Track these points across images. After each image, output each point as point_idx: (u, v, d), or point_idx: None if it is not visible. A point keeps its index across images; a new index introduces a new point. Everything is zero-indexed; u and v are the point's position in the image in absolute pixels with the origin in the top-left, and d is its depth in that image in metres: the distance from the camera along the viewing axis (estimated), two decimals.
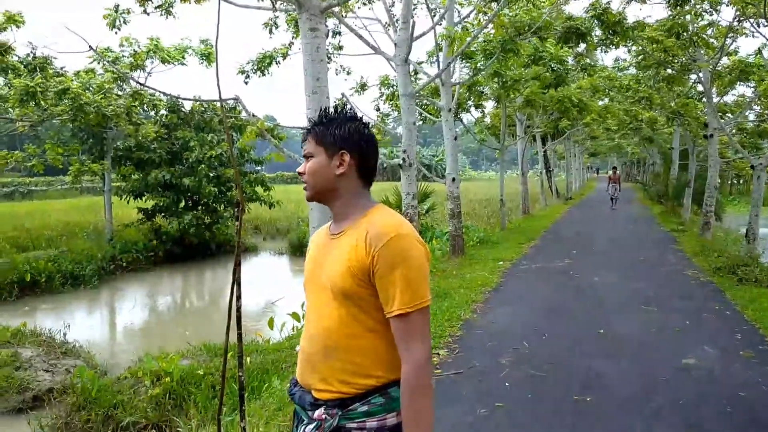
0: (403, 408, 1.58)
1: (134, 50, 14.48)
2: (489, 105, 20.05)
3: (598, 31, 12.21)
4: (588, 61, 17.98)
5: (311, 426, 1.63)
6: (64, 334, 8.38)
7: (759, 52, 14.26)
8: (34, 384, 6.65)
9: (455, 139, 12.26)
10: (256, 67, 11.78)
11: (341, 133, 1.73)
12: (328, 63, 11.91)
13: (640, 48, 13.41)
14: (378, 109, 15.31)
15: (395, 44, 8.40)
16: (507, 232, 15.43)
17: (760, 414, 4.00)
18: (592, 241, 13.60)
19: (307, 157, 1.77)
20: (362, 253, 1.60)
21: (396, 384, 1.62)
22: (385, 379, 1.64)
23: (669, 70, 14.34)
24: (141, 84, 11.67)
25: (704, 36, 12.36)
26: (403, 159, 8.30)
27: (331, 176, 1.73)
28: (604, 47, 13.05)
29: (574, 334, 6.06)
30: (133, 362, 6.75)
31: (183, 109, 17.77)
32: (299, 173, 1.79)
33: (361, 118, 1.81)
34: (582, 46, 14.28)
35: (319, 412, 1.64)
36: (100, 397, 5.91)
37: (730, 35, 12.07)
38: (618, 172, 25.60)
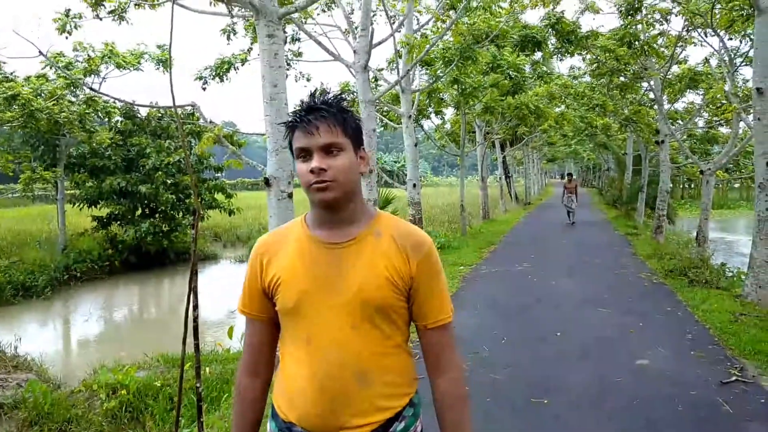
0: (451, 422, 1.53)
1: (88, 55, 14.16)
2: (449, 112, 20.29)
3: (553, 40, 12.51)
4: (544, 69, 18.35)
5: None
6: (15, 347, 8.09)
7: (706, 61, 14.81)
8: None
9: (416, 145, 12.36)
10: (214, 73, 11.64)
11: (359, 126, 1.54)
12: (288, 70, 11.87)
13: (594, 56, 13.77)
14: None
15: (354, 51, 8.43)
16: (467, 237, 15.59)
17: (709, 412, 4.13)
18: (549, 245, 13.84)
19: (329, 149, 1.45)
20: (400, 262, 1.47)
21: (416, 392, 1.59)
22: (412, 394, 1.56)
23: (622, 78, 14.77)
24: (95, 90, 11.41)
25: (655, 45, 12.78)
26: None
27: (356, 175, 1.49)
28: (559, 55, 13.36)
29: (533, 337, 6.16)
30: (88, 375, 6.58)
31: (139, 116, 17.47)
32: (320, 169, 1.43)
33: None
34: (538, 54, 14.62)
35: None
36: (53, 411, 5.72)
37: (679, 44, 12.52)
38: (575, 178, 21.55)
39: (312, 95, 1.52)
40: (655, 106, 15.59)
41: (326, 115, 1.45)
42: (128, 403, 5.70)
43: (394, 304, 1.48)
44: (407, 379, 1.55)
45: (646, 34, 12.68)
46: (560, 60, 14.41)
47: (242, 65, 12.25)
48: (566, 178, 19.72)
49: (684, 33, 12.30)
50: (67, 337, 10.97)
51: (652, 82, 14.19)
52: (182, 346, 3.92)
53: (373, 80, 11.74)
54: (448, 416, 1.53)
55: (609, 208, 27.34)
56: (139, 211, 16.69)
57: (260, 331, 1.61)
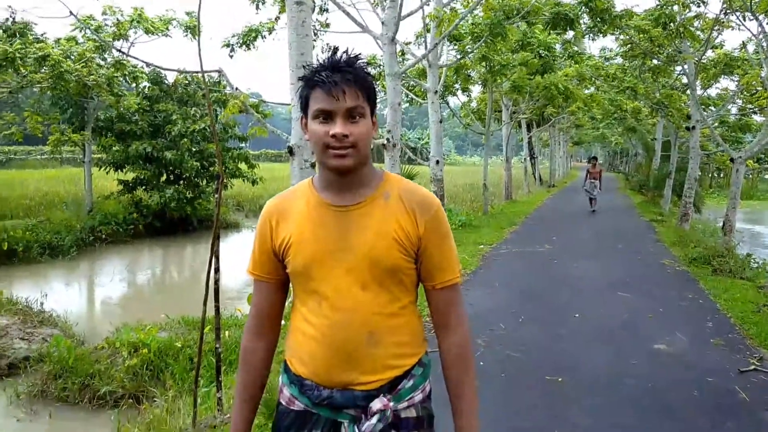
0: (456, 379, 1.56)
1: (117, 19, 14.23)
2: (476, 89, 20.07)
3: (586, 18, 12.25)
4: (575, 48, 18.02)
5: (373, 420, 1.47)
6: (41, 304, 8.32)
7: (744, 46, 14.41)
8: (9, 352, 6.61)
9: (440, 122, 12.27)
10: (241, 41, 11.63)
11: (375, 89, 1.52)
12: (315, 41, 11.81)
13: (627, 37, 13.46)
14: None
15: (382, 23, 8.34)
16: (489, 217, 15.52)
17: (726, 399, 4.10)
18: (572, 228, 13.74)
19: (353, 114, 1.43)
20: (408, 223, 1.48)
21: (425, 352, 1.61)
22: (420, 354, 1.58)
23: (655, 61, 14.44)
24: (124, 53, 11.46)
25: (691, 27, 12.45)
26: (387, 139, 8.29)
27: (371, 140, 1.51)
28: (591, 35, 13.09)
29: (550, 317, 6.15)
30: (111, 333, 6.72)
31: (166, 82, 17.53)
32: (343, 135, 1.41)
33: None
34: (570, 33, 14.34)
35: (383, 402, 1.48)
36: (76, 366, 5.90)
37: (716, 27, 12.16)
38: (600, 163, 20.68)
39: (334, 53, 1.47)
40: (688, 91, 15.24)
41: (351, 78, 1.42)
42: (149, 361, 5.85)
43: (403, 265, 1.49)
44: (416, 339, 1.56)
45: (682, 16, 12.34)
46: (592, 40, 14.12)
47: (269, 34, 12.23)
48: (590, 162, 18.47)
49: (721, 16, 11.94)
50: (91, 296, 11.22)
51: (686, 66, 13.86)
52: (203, 306, 3.99)
53: (400, 54, 11.62)
54: (452, 374, 1.56)
55: (634, 194, 26.98)
56: (164, 177, 16.85)
57: (268, 294, 1.63)
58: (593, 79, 19.31)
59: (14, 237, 12.22)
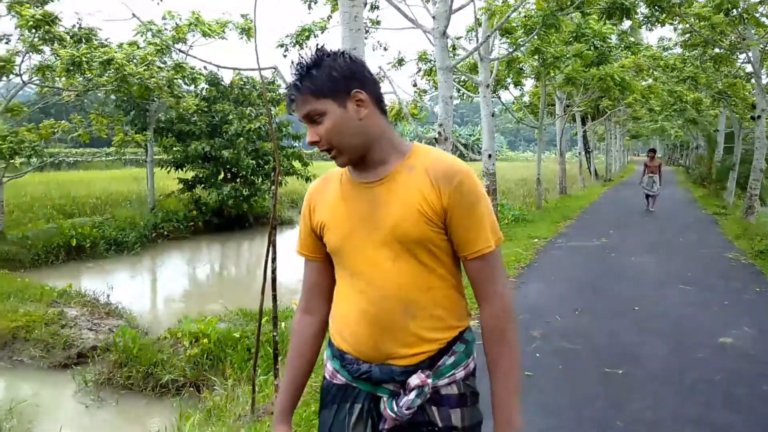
0: (491, 351, 1.50)
1: (176, 23, 14.72)
2: (528, 83, 19.78)
3: (643, 7, 11.89)
4: (632, 39, 17.51)
5: (411, 396, 1.46)
6: (108, 296, 8.70)
7: None
8: (78, 341, 6.95)
9: (492, 115, 12.16)
10: (294, 41, 11.83)
11: (341, 71, 1.44)
12: (365, 38, 11.89)
13: (687, 25, 13.00)
14: (415, 85, 15.24)
15: (433, 17, 8.33)
16: (543, 211, 15.28)
17: None
18: (629, 222, 13.39)
19: (312, 119, 1.45)
20: (433, 194, 1.44)
21: (468, 328, 1.57)
22: (462, 327, 1.54)
23: (716, 49, 13.89)
24: (185, 53, 11.83)
25: (755, 13, 11.92)
26: (439, 133, 8.27)
27: (356, 125, 1.45)
28: (649, 24, 12.70)
29: (608, 310, 6.03)
30: (173, 324, 6.96)
31: (222, 83, 18.03)
32: (313, 143, 1.47)
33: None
34: (626, 23, 13.94)
35: (420, 378, 1.47)
36: (141, 355, 6.14)
37: None
38: (658, 156, 18.40)
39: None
40: (752, 80, 14.60)
41: (300, 85, 1.44)
42: (209, 351, 6.03)
43: (432, 236, 1.46)
44: (455, 312, 1.53)
45: (746, 2, 11.83)
46: (649, 30, 13.67)
47: (321, 33, 12.39)
48: (648, 154, 16.76)
49: None
50: (153, 289, 11.66)
51: (750, 54, 13.28)
52: (261, 296, 4.10)
53: (451, 48, 11.58)
54: (488, 346, 1.51)
55: (695, 187, 26.02)
56: (222, 175, 17.32)
57: (314, 271, 1.67)
58: (651, 70, 18.72)
59: (82, 234, 12.80)
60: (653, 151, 16.86)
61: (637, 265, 8.38)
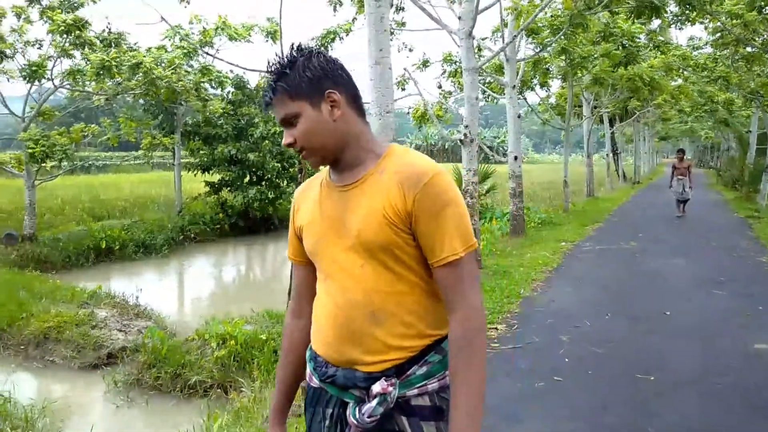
0: (453, 367, 1.39)
1: (203, 27, 14.90)
2: (554, 84, 19.58)
3: (673, 6, 11.69)
4: (661, 38, 17.23)
5: (373, 403, 1.41)
6: (137, 298, 8.80)
7: None
8: (108, 342, 7.03)
9: (518, 116, 12.06)
10: (319, 44, 11.88)
11: (315, 72, 1.42)
12: (390, 40, 11.89)
13: (718, 24, 12.76)
14: (440, 87, 15.21)
15: (459, 17, 8.29)
16: (570, 214, 15.11)
17: None
18: (659, 225, 13.16)
19: (288, 121, 1.43)
20: (398, 198, 1.39)
21: (447, 337, 1.46)
22: (437, 336, 1.47)
23: (749, 48, 13.61)
24: (212, 55, 11.97)
25: None
26: (465, 135, 8.23)
27: (330, 127, 1.42)
28: (679, 23, 12.50)
29: (638, 314, 5.92)
30: (200, 325, 7.01)
31: (248, 87, 18.18)
32: (289, 144, 1.45)
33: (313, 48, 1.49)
34: (655, 22, 13.72)
35: (382, 385, 1.41)
36: (169, 356, 6.19)
37: None
38: (688, 158, 16.92)
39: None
40: None
41: (271, 89, 1.43)
42: (236, 352, 6.06)
43: (397, 242, 1.40)
44: (427, 319, 1.46)
45: None
46: (679, 29, 13.43)
47: (346, 35, 12.45)
48: (676, 155, 15.56)
49: None
50: (181, 291, 11.80)
51: None
52: (287, 297, 4.11)
53: (476, 49, 11.51)
54: (450, 361, 1.41)
55: (726, 190, 25.48)
56: (247, 178, 17.46)
57: (302, 275, 1.67)
58: (681, 69, 18.41)
59: (111, 236, 13.01)
60: (682, 151, 15.91)
61: (668, 269, 8.22)
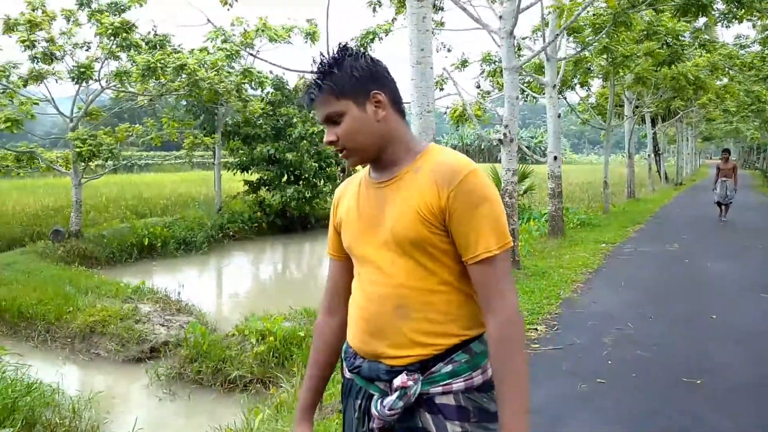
0: (496, 365, 1.40)
1: (244, 29, 15.13)
2: (595, 84, 19.26)
3: (720, 4, 11.37)
4: (706, 36, 16.78)
5: (393, 396, 1.43)
6: (178, 293, 9.00)
7: None
8: (151, 336, 7.20)
9: (558, 116, 11.90)
10: (359, 44, 11.93)
11: (361, 72, 1.44)
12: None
13: (767, 22, 12.36)
14: (479, 86, 15.11)
15: (500, 17, 8.22)
16: (610, 216, 14.84)
17: None
18: (703, 227, 12.82)
19: (332, 120, 1.45)
20: (432, 195, 1.40)
21: (477, 338, 1.48)
22: (466, 336, 1.46)
23: None
24: (255, 56, 12.17)
25: None
26: (504, 134, 8.16)
27: (373, 127, 1.45)
28: (725, 21, 12.15)
29: (683, 317, 5.78)
30: (240, 321, 7.12)
31: (287, 87, 18.40)
32: (331, 143, 1.47)
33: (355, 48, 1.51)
34: (701, 20, 13.37)
35: (402, 379, 1.43)
36: (210, 351, 6.32)
37: None
38: (733, 159, 15.95)
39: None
40: None
41: (317, 86, 1.45)
42: (275, 348, 6.13)
43: (431, 239, 1.42)
44: (456, 318, 1.46)
45: None
46: (726, 27, 13.04)
47: (386, 36, 12.46)
48: (721, 155, 14.69)
49: None
50: (220, 288, 11.99)
51: None
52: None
53: (516, 48, 11.41)
54: (492, 362, 1.42)
55: None
56: (285, 178, 17.66)
57: (338, 271, 1.68)
58: (727, 69, 17.90)
59: (154, 233, 13.31)
60: (727, 151, 15.06)
61: (713, 271, 8.01)
